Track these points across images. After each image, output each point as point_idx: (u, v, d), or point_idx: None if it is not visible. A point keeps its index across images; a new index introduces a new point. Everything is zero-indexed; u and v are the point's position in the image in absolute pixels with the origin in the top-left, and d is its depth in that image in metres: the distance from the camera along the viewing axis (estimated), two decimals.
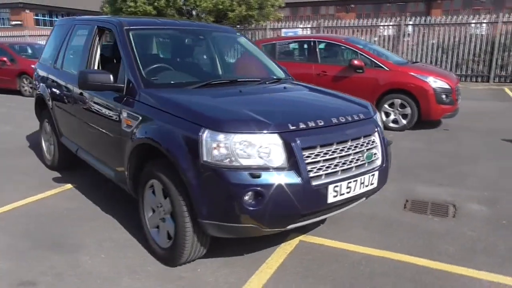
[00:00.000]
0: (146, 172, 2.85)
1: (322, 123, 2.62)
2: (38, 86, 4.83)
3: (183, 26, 3.95)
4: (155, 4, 14.76)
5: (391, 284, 2.63)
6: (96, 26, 3.78)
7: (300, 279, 2.69)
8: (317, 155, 2.51)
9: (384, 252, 3.03)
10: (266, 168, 2.37)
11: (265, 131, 2.42)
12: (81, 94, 3.66)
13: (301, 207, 2.44)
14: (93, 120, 3.51)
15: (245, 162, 2.36)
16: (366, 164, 2.78)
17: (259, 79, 3.59)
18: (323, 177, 2.52)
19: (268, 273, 2.75)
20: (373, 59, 7.03)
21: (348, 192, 2.63)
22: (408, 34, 14.48)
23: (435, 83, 6.68)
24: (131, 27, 3.45)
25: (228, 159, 2.36)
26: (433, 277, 2.72)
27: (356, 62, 6.91)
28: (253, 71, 3.84)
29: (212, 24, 4.11)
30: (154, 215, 2.91)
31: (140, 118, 2.85)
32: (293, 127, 2.49)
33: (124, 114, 3.02)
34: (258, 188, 2.33)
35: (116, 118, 3.13)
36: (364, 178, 2.71)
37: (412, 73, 6.81)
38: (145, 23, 3.77)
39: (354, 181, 2.64)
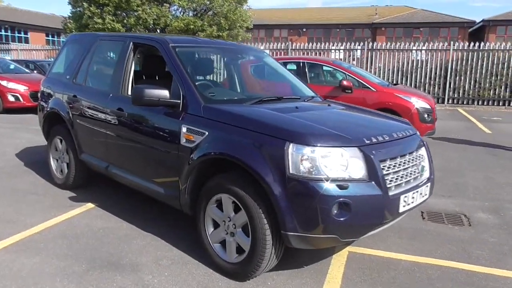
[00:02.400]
0: (212, 187, 2.87)
1: (387, 138, 2.81)
2: (47, 102, 4.63)
3: (220, 45, 4.03)
4: (124, 21, 14.56)
5: None
6: (131, 43, 3.76)
7: (369, 286, 2.82)
8: (388, 167, 2.69)
9: (429, 259, 3.24)
10: (349, 180, 2.50)
11: (346, 145, 2.57)
12: (119, 109, 3.59)
13: (382, 216, 2.60)
14: (136, 136, 3.45)
15: (330, 174, 2.48)
16: (419, 176, 3.00)
17: (298, 97, 3.74)
18: (393, 188, 2.69)
19: (336, 282, 2.85)
20: (360, 80, 7.46)
21: (412, 202, 2.82)
22: (357, 58, 15.43)
23: (417, 103, 7.21)
24: (176, 45, 3.48)
25: (314, 171, 2.47)
26: (483, 279, 2.96)
27: (345, 83, 7.28)
28: (287, 89, 3.99)
29: (242, 44, 4.21)
30: (218, 230, 2.92)
31: (207, 133, 2.88)
32: (368, 141, 2.66)
33: (184, 130, 3.03)
34: (346, 199, 2.46)
35: (172, 133, 3.12)
36: (422, 189, 2.92)
37: (397, 94, 7.30)
38: (187, 41, 3.81)
39: (416, 192, 2.85)
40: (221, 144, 2.80)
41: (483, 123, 10.71)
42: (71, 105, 4.25)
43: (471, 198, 4.79)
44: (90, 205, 4.11)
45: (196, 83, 3.29)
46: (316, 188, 2.44)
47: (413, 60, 14.41)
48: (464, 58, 13.56)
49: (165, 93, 3.09)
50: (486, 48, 13.33)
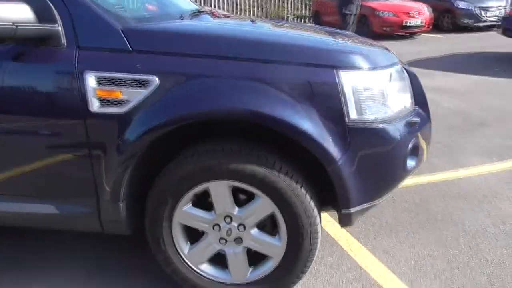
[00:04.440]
0: (188, 175, 1.59)
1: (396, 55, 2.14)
2: None
3: None
4: None
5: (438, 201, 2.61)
6: None
7: (387, 234, 2.28)
8: None
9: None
10: (408, 114, 1.75)
11: (394, 63, 1.76)
12: None
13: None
14: None
15: (394, 108, 1.66)
16: None
17: (202, 10, 2.50)
18: None
19: (358, 246, 2.18)
20: None
21: None
22: None
23: None
24: None
25: (380, 109, 1.60)
26: (466, 182, 2.88)
27: None
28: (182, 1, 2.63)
29: None
30: (205, 242, 1.72)
31: (157, 80, 1.50)
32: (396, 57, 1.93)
33: (92, 82, 1.51)
34: (416, 141, 1.73)
35: (59, 95, 1.54)
36: None
37: None
38: None
39: None
40: (205, 96, 1.50)
41: None
42: None
43: None
44: None
45: None
46: (390, 133, 1.59)
47: None
48: None
49: (25, 10, 1.44)
50: None
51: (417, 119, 1.73)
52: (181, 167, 1.59)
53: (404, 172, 1.70)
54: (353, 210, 1.62)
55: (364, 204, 1.65)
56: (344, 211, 1.62)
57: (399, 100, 1.69)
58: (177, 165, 1.60)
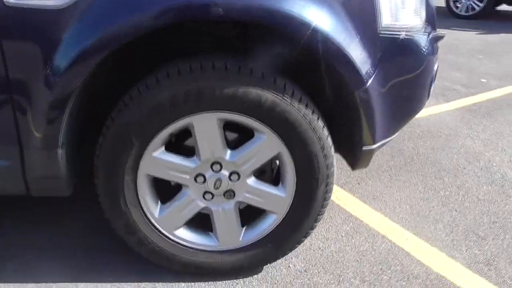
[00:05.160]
0: (158, 107, 1.11)
1: None
2: None
3: None
4: None
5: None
6: None
7: (369, 174, 2.04)
8: None
9: None
10: (428, 27, 1.44)
11: None
12: None
13: None
14: None
15: (423, 16, 1.33)
16: None
17: None
18: None
19: (348, 196, 1.91)
20: None
21: None
22: None
23: None
24: None
25: (413, 16, 1.25)
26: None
27: None
28: None
29: None
30: (183, 200, 1.27)
31: None
32: None
33: None
34: (437, 59, 1.44)
35: None
36: None
37: None
38: None
39: None
40: None
41: None
42: None
43: None
44: None
45: None
46: (423, 47, 1.27)
47: None
48: None
49: None
50: None
51: (443, 33, 1.43)
52: (153, 94, 1.10)
53: (427, 98, 1.42)
54: (375, 145, 1.30)
55: (385, 139, 1.34)
56: (365, 148, 1.28)
57: (422, 11, 1.36)
58: (146, 92, 1.10)
